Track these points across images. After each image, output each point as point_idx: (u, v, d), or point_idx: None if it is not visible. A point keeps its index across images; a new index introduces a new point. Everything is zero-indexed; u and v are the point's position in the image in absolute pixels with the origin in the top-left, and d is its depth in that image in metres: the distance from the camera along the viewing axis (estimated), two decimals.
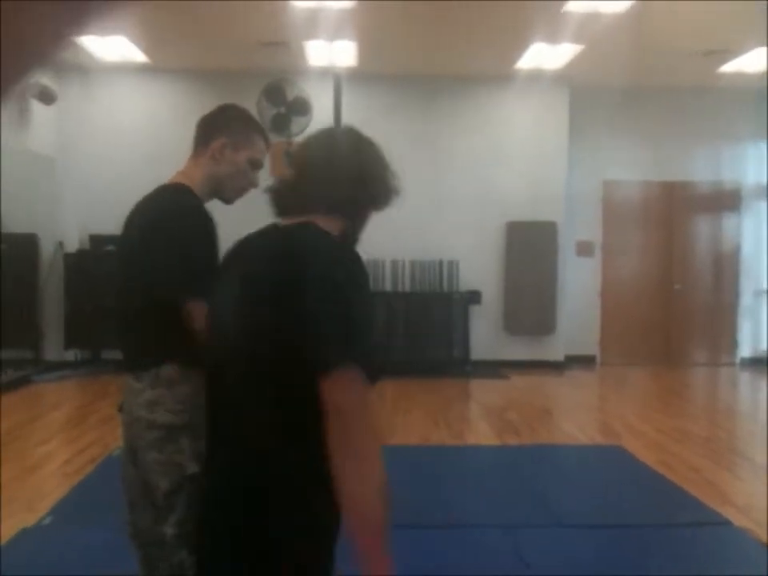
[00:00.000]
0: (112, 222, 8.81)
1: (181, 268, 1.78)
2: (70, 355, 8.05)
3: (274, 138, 8.18)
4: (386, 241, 8.34)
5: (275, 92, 8.04)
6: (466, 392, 7.47)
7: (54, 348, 7.93)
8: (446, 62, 7.84)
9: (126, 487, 1.95)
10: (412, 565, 3.32)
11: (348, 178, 1.50)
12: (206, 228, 1.86)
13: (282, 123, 8.07)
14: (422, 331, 8.26)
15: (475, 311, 8.44)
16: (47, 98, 7.51)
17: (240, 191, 2.06)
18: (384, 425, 5.89)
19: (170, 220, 1.83)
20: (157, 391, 1.83)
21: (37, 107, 7.53)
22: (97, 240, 7.84)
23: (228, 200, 2.06)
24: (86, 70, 8.08)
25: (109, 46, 7.33)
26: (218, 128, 2.00)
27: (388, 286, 8.38)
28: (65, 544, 3.47)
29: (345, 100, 8.41)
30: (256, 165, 2.04)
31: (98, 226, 7.63)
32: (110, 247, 8.03)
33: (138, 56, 7.72)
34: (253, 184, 2.06)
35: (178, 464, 1.79)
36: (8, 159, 6.54)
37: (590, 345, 9.06)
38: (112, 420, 6.03)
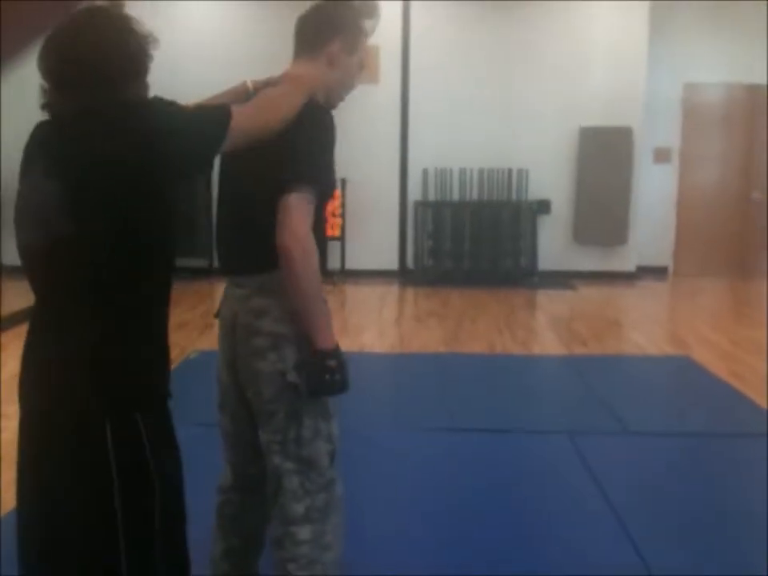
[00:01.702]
0: None
1: (308, 159, 1.73)
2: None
3: None
4: (453, 149, 8.21)
5: None
6: (533, 302, 7.43)
7: None
8: None
9: (222, 391, 1.99)
10: (478, 467, 3.40)
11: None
12: (334, 139, 1.82)
13: None
14: (490, 241, 8.19)
15: (544, 221, 8.30)
16: None
17: (345, 95, 1.97)
18: (451, 333, 5.95)
19: (306, 125, 1.75)
20: (265, 298, 1.81)
21: None
22: None
23: (333, 106, 1.95)
24: None
25: None
26: (333, 29, 1.88)
27: (455, 195, 8.28)
28: None
29: (415, 6, 8.17)
30: (362, 67, 1.96)
31: None
32: None
33: None
34: (354, 85, 1.97)
35: (281, 372, 1.81)
36: None
37: (663, 255, 8.85)
38: (187, 325, 6.25)
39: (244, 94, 1.90)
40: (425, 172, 8.25)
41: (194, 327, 6.19)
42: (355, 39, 1.91)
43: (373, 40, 7.31)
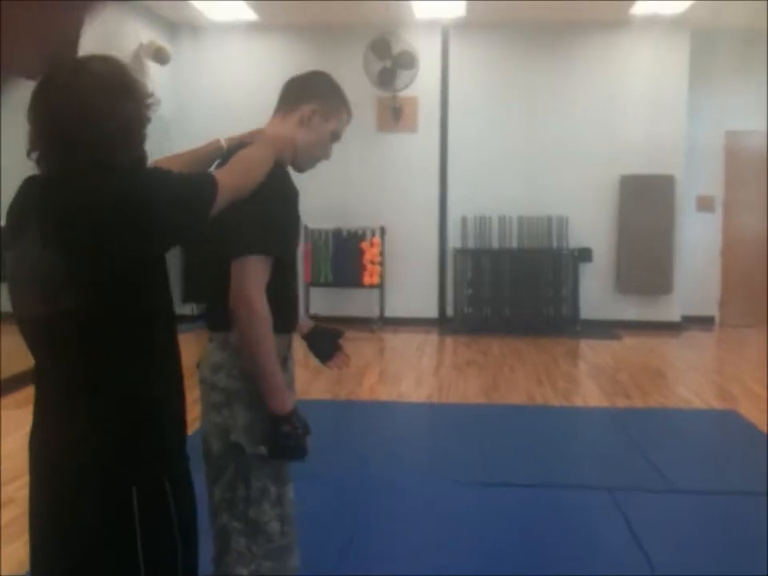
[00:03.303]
0: None
1: (257, 226, 1.75)
2: (187, 309, 8.36)
3: (380, 93, 8.14)
4: (492, 196, 8.20)
5: (381, 46, 7.96)
6: (574, 352, 7.30)
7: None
8: (557, 8, 7.52)
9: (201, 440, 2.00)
10: (513, 522, 3.30)
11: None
12: (291, 197, 1.87)
13: (387, 78, 8.00)
14: (530, 289, 8.10)
15: (586, 269, 8.20)
16: (162, 58, 7.71)
17: (314, 162, 2.01)
18: (490, 382, 5.85)
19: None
20: (223, 354, 1.82)
21: (152, 67, 7.74)
22: None
23: (301, 169, 2.00)
24: (198, 29, 8.25)
25: (220, 4, 7.44)
26: (310, 93, 1.95)
27: (495, 243, 8.24)
28: None
29: (452, 52, 8.26)
30: (336, 138, 2.00)
31: None
32: None
33: (248, 14, 7.80)
34: (327, 156, 2.02)
35: (228, 429, 1.80)
36: None
37: (708, 305, 8.66)
38: None
39: (218, 152, 1.92)
40: (464, 220, 8.24)
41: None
42: (332, 108, 1.96)
43: (411, 90, 7.42)
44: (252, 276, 1.72)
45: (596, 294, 8.23)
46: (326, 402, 5.27)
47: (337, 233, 8.16)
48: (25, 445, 1.52)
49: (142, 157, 1.51)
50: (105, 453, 1.46)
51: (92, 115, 1.41)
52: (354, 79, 8.12)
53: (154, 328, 1.52)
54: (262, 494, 1.82)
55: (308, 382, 5.90)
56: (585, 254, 8.14)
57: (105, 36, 6.90)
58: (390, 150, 8.33)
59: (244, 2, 7.42)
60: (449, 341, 7.72)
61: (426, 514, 3.40)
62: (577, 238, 8.19)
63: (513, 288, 8.12)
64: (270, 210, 1.76)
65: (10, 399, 4.88)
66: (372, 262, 8.09)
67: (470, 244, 8.25)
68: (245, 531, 1.81)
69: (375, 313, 8.16)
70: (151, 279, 1.50)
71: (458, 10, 7.60)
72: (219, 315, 1.80)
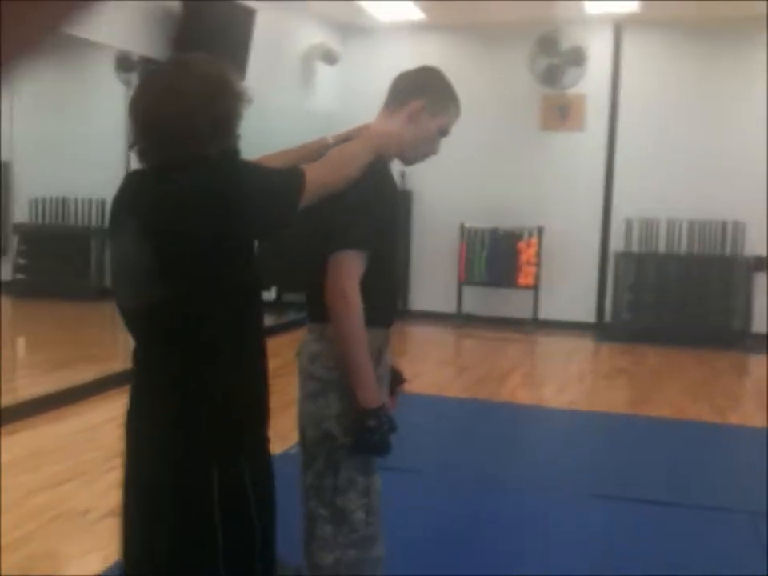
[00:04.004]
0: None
1: (352, 221, 1.78)
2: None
3: (545, 91, 7.96)
4: (660, 198, 7.79)
5: (548, 42, 7.78)
6: (740, 367, 6.79)
7: None
8: (734, 3, 7.00)
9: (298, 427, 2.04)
10: (645, 541, 3.13)
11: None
12: (389, 191, 1.90)
13: (554, 75, 7.81)
14: (697, 298, 7.62)
15: (761, 279, 7.59)
16: (330, 59, 7.98)
17: (422, 157, 2.02)
18: (640, 393, 5.58)
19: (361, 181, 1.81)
20: (320, 345, 1.87)
21: (321, 68, 8.03)
22: None
23: (409, 162, 2.04)
24: (367, 29, 8.45)
25: (388, 4, 7.58)
26: (418, 89, 1.97)
27: (661, 247, 7.82)
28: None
29: (625, 49, 7.93)
30: (444, 134, 2.00)
31: None
32: None
33: (415, 13, 7.88)
34: (435, 151, 2.03)
35: (321, 418, 1.85)
36: (295, 118, 7.07)
37: None
38: None
39: (324, 148, 1.94)
40: (628, 222, 7.88)
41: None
42: (440, 104, 1.97)
43: (579, 88, 7.19)
44: (346, 270, 1.75)
45: None
46: (464, 401, 5.24)
47: (493, 232, 8.08)
48: None
49: (234, 150, 1.58)
50: (190, 434, 1.55)
51: (186, 111, 1.49)
52: (518, 77, 8.01)
53: (243, 317, 1.59)
54: (350, 484, 1.84)
55: (450, 379, 5.90)
56: (761, 263, 7.54)
57: (278, 37, 7.25)
58: (554, 149, 8.13)
59: (412, 1, 7.51)
60: (603, 347, 7.43)
61: (551, 526, 3.30)
62: (753, 246, 7.60)
63: (678, 295, 7.67)
64: (366, 204, 1.79)
65: None
66: (528, 263, 7.94)
67: (634, 247, 7.88)
68: (331, 519, 1.85)
69: (529, 314, 8.00)
70: (241, 268, 1.56)
71: (632, 5, 7.28)
72: (317, 308, 1.85)
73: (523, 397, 5.46)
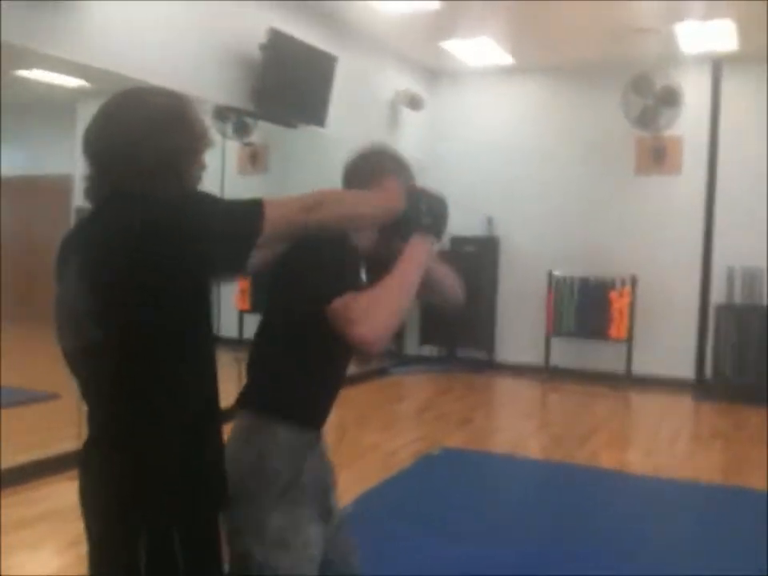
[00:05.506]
0: (473, 223, 8.92)
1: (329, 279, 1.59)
2: (426, 350, 8.40)
3: (640, 133, 7.58)
4: (765, 246, 7.22)
5: (642, 83, 7.42)
6: None
7: (413, 344, 8.34)
8: None
9: None
10: None
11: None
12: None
13: (649, 116, 7.44)
14: None
15: None
16: (416, 104, 7.90)
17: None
18: (734, 460, 5.07)
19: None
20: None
21: (406, 113, 7.97)
22: (458, 241, 8.02)
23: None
24: (453, 74, 8.35)
25: (475, 49, 7.45)
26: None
27: (766, 300, 7.23)
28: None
29: (724, 87, 7.48)
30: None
31: (458, 227, 7.58)
32: (470, 248, 8.21)
33: (504, 58, 7.72)
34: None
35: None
36: None
37: None
38: (446, 417, 6.14)
39: None
40: (730, 271, 7.34)
41: (454, 420, 6.08)
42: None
43: (675, 129, 6.78)
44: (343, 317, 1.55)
45: None
46: (537, 463, 4.91)
47: (584, 280, 7.70)
48: None
49: (189, 190, 1.45)
50: (119, 495, 1.40)
51: (129, 144, 1.38)
52: (610, 118, 7.67)
53: (183, 368, 1.43)
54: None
55: (524, 437, 5.57)
56: None
57: (364, 82, 7.25)
58: (649, 193, 7.72)
59: (500, 46, 7.35)
60: (701, 407, 6.88)
61: None
62: None
63: None
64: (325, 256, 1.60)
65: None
66: (621, 313, 7.51)
67: (737, 299, 7.32)
68: None
69: (621, 368, 7.54)
70: (189, 311, 1.40)
71: (731, 43, 6.86)
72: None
73: (605, 458, 5.06)
